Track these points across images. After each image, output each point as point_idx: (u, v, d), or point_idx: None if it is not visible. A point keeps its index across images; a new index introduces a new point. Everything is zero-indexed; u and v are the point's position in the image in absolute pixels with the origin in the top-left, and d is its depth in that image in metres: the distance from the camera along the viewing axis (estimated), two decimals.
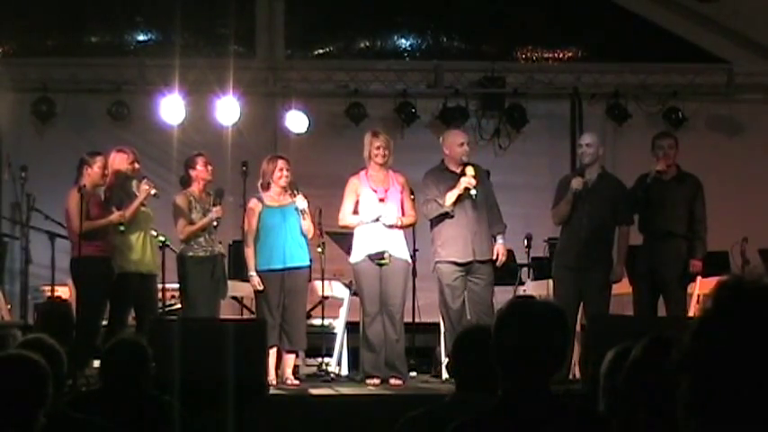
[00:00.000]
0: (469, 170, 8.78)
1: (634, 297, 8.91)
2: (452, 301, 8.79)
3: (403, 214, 8.91)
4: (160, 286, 8.99)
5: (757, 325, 1.73)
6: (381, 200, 8.86)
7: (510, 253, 9.55)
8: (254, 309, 9.44)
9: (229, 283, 9.18)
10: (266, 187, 8.86)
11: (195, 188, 8.98)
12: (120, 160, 8.86)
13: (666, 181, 8.80)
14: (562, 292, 8.67)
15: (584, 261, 8.63)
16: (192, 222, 8.84)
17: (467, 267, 8.77)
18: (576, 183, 8.71)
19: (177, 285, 9.01)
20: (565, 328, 3.09)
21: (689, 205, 8.75)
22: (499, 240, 8.88)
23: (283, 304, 8.72)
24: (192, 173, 9.00)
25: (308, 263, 8.91)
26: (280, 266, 8.73)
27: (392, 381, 8.71)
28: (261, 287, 8.70)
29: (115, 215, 8.65)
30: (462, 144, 8.97)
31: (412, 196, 9.02)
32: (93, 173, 8.70)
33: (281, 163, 8.86)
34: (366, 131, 9.29)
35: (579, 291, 8.62)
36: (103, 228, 8.62)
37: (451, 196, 8.75)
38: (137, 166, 8.91)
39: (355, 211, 8.90)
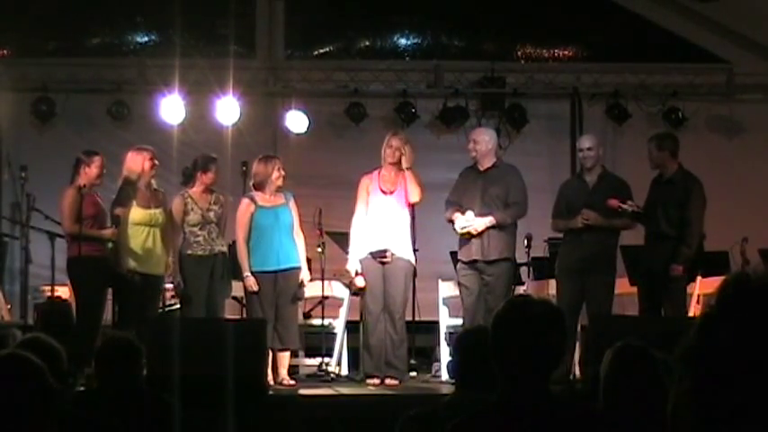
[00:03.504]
0: (480, 226, 8.67)
1: (638, 297, 8.93)
2: (464, 299, 8.82)
3: (407, 200, 8.82)
4: None
5: (761, 322, 1.73)
6: (390, 192, 8.85)
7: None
8: None
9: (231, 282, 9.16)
10: (259, 187, 8.83)
11: (197, 189, 8.97)
12: (136, 160, 8.79)
13: (663, 182, 8.80)
14: (565, 292, 8.67)
15: (587, 262, 8.63)
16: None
17: (474, 266, 8.75)
18: (583, 218, 8.71)
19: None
20: (562, 327, 3.09)
21: (680, 207, 8.70)
22: (487, 218, 8.70)
23: (276, 305, 8.69)
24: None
25: (300, 264, 8.84)
26: (273, 268, 8.70)
27: (387, 381, 8.68)
28: (256, 288, 8.64)
29: (108, 231, 8.62)
30: (468, 142, 9.03)
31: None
32: (90, 172, 8.68)
33: (278, 163, 8.84)
34: (367, 131, 9.26)
35: (581, 291, 8.63)
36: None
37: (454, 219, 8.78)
38: (154, 163, 8.85)
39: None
